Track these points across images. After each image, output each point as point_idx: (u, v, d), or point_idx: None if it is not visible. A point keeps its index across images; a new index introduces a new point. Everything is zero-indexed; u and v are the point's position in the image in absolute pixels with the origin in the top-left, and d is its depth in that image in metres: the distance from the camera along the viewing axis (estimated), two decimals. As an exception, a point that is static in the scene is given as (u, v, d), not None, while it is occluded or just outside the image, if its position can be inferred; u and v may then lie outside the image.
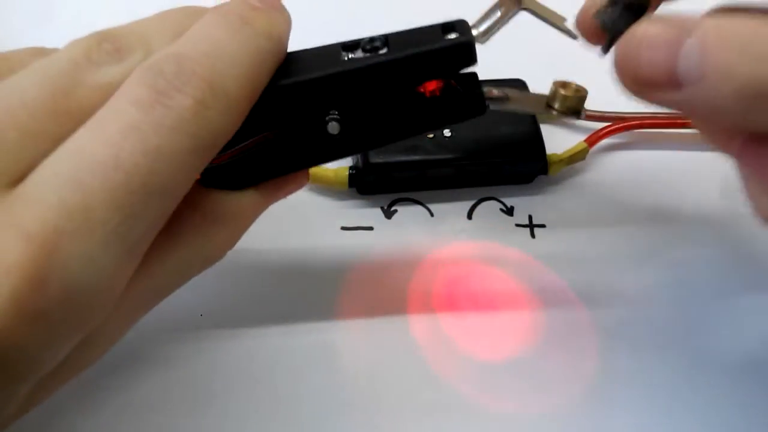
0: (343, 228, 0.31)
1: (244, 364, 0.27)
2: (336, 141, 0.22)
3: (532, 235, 0.31)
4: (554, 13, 0.34)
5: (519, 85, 0.33)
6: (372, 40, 0.21)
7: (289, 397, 0.26)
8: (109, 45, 0.19)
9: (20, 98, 0.17)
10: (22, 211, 0.16)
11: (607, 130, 0.34)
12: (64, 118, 0.17)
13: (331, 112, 0.22)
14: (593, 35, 0.22)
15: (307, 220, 0.31)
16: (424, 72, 0.21)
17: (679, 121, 0.35)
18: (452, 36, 0.21)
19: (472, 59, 0.21)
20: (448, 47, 0.21)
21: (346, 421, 0.26)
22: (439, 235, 0.31)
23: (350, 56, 0.21)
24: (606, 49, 0.21)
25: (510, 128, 0.32)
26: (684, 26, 0.19)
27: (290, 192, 0.24)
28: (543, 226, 0.32)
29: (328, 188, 0.32)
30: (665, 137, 0.35)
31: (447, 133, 0.31)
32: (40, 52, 0.20)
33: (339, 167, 0.31)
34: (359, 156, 0.31)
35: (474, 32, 0.21)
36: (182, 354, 0.27)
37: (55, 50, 0.20)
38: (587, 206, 0.32)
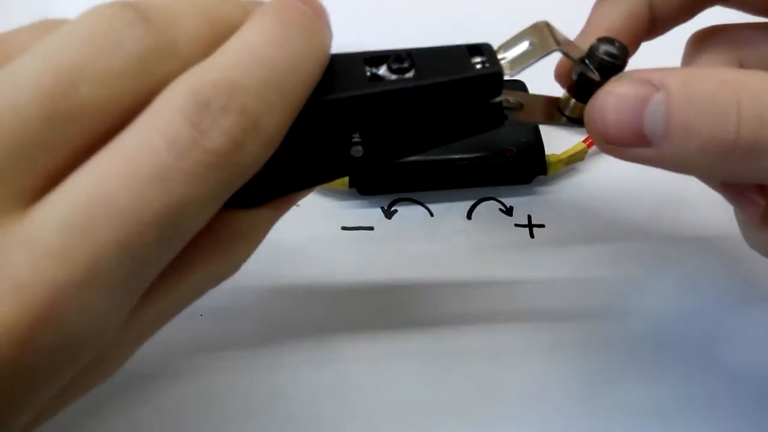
0: (344, 228, 0.31)
1: (244, 363, 0.27)
2: (358, 161, 0.21)
3: (531, 235, 0.32)
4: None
5: (519, 86, 0.34)
6: (398, 58, 0.20)
7: (289, 396, 0.26)
8: (134, 15, 0.16)
9: (11, 100, 0.14)
10: (17, 254, 0.14)
11: None
12: (67, 126, 0.15)
13: (353, 136, 0.21)
14: (570, 88, 0.23)
15: (308, 220, 0.31)
16: (452, 98, 0.21)
17: None
18: (479, 62, 0.20)
19: (499, 91, 0.21)
20: (478, 77, 0.20)
21: (347, 420, 0.26)
22: (439, 235, 0.31)
23: (374, 72, 0.20)
24: (584, 100, 0.22)
25: (509, 129, 0.32)
26: (649, 84, 0.19)
27: (297, 201, 0.23)
28: (542, 226, 0.32)
29: (328, 188, 0.32)
30: None
31: None
32: (45, 27, 0.17)
33: None
34: None
35: (501, 59, 0.21)
36: (182, 354, 0.27)
37: (63, 22, 0.17)
38: (586, 206, 0.32)
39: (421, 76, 0.20)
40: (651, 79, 0.19)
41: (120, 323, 0.16)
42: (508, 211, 0.32)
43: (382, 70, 0.20)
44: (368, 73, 0.20)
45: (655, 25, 0.25)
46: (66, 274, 0.14)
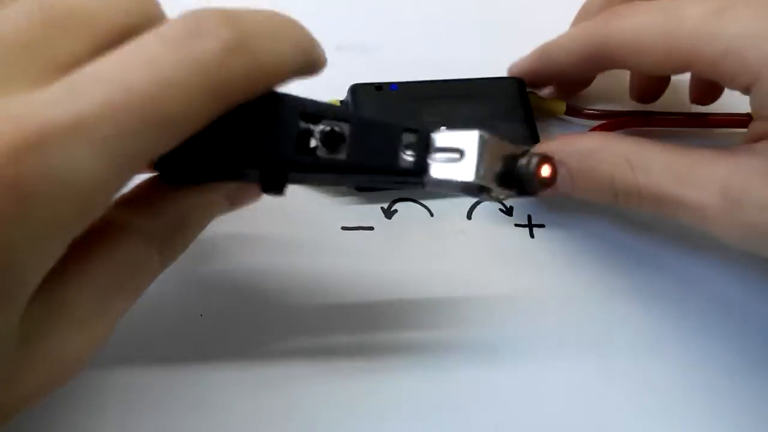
0: (343, 228, 0.31)
1: (243, 362, 0.27)
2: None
3: (531, 235, 0.32)
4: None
5: (517, 83, 0.34)
6: (333, 135, 0.21)
7: (289, 394, 0.26)
8: None
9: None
10: (18, 102, 0.16)
11: (601, 128, 0.34)
12: (68, 31, 0.18)
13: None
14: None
15: (307, 220, 0.31)
16: (375, 176, 0.23)
17: (676, 119, 0.35)
18: (409, 155, 0.21)
19: (421, 185, 0.22)
20: (400, 171, 0.21)
21: (348, 418, 0.26)
22: (439, 235, 0.31)
23: (307, 129, 0.21)
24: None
25: (506, 126, 0.32)
26: (555, 158, 0.24)
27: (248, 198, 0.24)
28: (542, 226, 0.32)
29: (326, 188, 0.32)
30: (663, 135, 0.35)
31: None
32: None
33: None
34: None
35: (436, 150, 0.22)
36: (182, 354, 0.27)
37: None
38: (586, 206, 0.32)
39: (351, 158, 0.21)
40: (554, 154, 0.25)
41: (104, 197, 0.18)
42: (509, 211, 0.32)
43: (315, 134, 0.21)
44: (300, 128, 0.21)
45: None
46: (54, 115, 0.16)
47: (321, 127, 0.21)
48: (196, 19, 0.18)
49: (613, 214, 0.32)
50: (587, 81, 0.35)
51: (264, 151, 0.21)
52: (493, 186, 0.22)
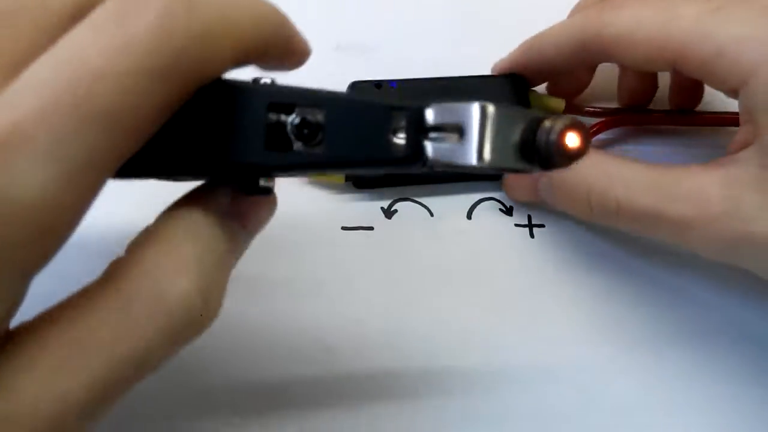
0: (343, 228, 0.31)
1: (243, 363, 0.27)
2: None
3: (531, 235, 0.32)
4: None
5: (517, 81, 0.34)
6: (307, 124, 0.17)
7: (289, 391, 0.26)
8: None
9: None
10: None
11: (600, 125, 0.34)
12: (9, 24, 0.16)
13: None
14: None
15: (307, 220, 0.31)
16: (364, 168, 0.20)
17: (675, 117, 0.35)
18: (401, 138, 0.18)
19: (427, 170, 0.18)
20: (392, 160, 0.18)
21: (347, 415, 0.26)
22: (439, 235, 0.31)
23: (277, 121, 0.18)
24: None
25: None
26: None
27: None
28: (542, 226, 0.32)
29: (326, 184, 0.32)
30: (660, 133, 0.35)
31: None
32: None
33: None
34: None
35: (431, 128, 0.18)
36: (181, 354, 0.27)
37: None
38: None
39: (330, 151, 0.18)
40: None
41: (65, 213, 0.15)
42: (508, 211, 0.32)
43: (288, 126, 0.18)
44: (269, 121, 0.18)
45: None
46: None
47: (293, 116, 0.18)
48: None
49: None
50: (583, 84, 0.35)
51: (228, 153, 0.18)
52: (512, 164, 0.18)
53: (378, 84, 0.33)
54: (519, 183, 0.31)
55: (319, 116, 0.18)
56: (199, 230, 0.18)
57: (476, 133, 0.17)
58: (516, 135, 0.17)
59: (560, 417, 0.27)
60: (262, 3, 0.18)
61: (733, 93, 0.27)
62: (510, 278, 0.30)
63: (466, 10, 0.38)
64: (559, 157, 0.17)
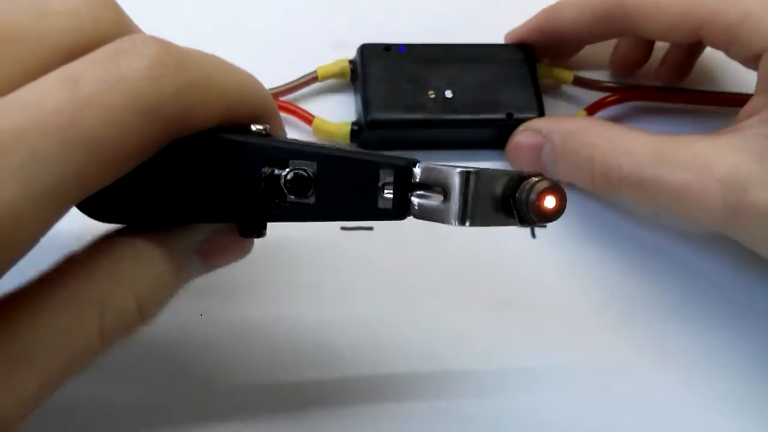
0: (343, 228, 0.31)
1: (243, 363, 0.27)
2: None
3: (533, 235, 0.31)
4: None
5: (526, 50, 0.33)
6: (300, 179, 0.19)
7: (289, 391, 0.26)
8: None
9: None
10: None
11: (608, 99, 0.34)
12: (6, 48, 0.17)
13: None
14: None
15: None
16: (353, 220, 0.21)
17: (683, 95, 0.34)
18: (388, 194, 0.19)
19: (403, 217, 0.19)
20: (380, 214, 0.19)
21: (347, 413, 0.26)
22: (439, 235, 0.31)
23: (272, 173, 0.19)
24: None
25: (512, 92, 0.32)
26: (540, 134, 0.29)
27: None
28: (543, 226, 0.32)
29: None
30: (667, 112, 0.35)
31: (449, 93, 0.32)
32: None
33: (341, 122, 0.32)
34: (362, 111, 0.31)
35: (417, 185, 0.19)
36: (181, 354, 0.27)
37: None
38: (587, 206, 0.32)
39: (322, 205, 0.19)
40: (541, 130, 0.30)
41: (22, 232, 0.15)
42: (509, 211, 0.32)
43: (281, 180, 0.19)
44: (264, 175, 0.19)
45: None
46: None
47: (287, 170, 0.19)
48: (129, 39, 0.17)
49: (614, 214, 0.32)
50: (577, 47, 0.34)
51: (227, 206, 0.19)
52: (494, 222, 0.19)
53: (387, 47, 0.33)
54: (521, 153, 0.31)
55: (310, 171, 0.19)
56: (152, 257, 0.19)
57: (458, 199, 0.18)
58: (499, 191, 0.19)
59: (560, 417, 0.27)
60: (248, 74, 0.20)
61: (754, 62, 0.26)
62: (510, 278, 0.30)
63: (466, 11, 0.38)
64: (536, 217, 0.18)
